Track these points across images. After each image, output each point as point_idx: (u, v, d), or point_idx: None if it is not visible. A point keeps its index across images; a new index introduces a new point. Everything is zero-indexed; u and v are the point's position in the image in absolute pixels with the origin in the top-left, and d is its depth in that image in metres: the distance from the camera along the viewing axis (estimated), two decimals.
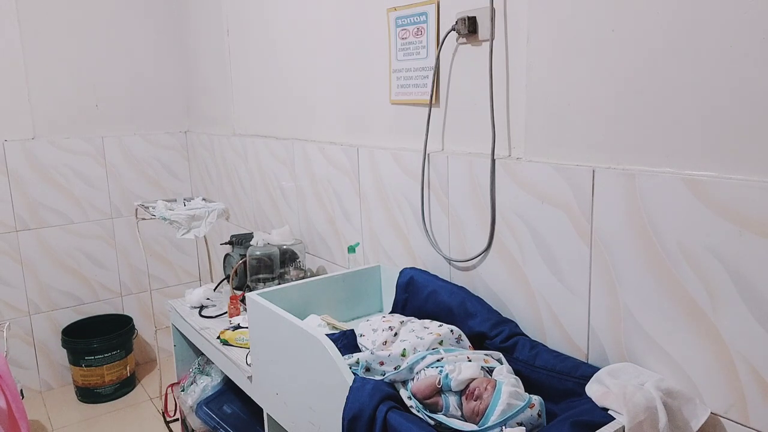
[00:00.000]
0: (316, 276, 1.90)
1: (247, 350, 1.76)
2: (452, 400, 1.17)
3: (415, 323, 1.45)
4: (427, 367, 1.23)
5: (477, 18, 1.43)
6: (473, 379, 1.17)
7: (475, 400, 1.14)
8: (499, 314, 1.44)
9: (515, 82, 1.38)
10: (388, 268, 1.81)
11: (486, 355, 1.30)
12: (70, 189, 2.99)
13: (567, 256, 1.29)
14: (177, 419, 2.55)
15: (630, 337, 1.19)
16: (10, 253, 2.87)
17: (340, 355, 1.26)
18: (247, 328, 1.78)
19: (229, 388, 2.12)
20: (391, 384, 1.24)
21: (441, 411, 1.17)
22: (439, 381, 1.17)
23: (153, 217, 2.44)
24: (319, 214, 2.19)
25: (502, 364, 1.29)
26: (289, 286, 1.66)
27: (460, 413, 1.16)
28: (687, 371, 1.10)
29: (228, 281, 2.29)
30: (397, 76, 1.73)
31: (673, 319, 1.11)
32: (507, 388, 1.13)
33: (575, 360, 1.26)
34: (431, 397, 1.18)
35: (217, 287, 2.34)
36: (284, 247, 2.16)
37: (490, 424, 1.09)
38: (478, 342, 1.41)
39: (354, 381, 1.19)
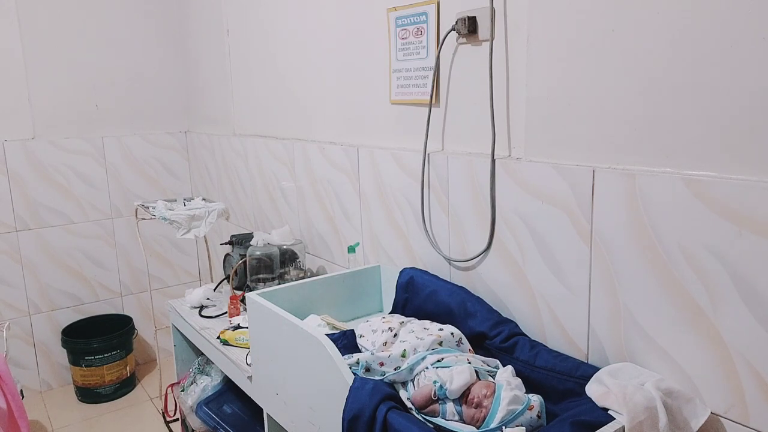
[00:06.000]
0: (316, 276, 1.90)
1: (247, 350, 1.76)
2: (450, 407, 1.17)
3: (414, 324, 1.45)
4: (427, 368, 1.23)
5: (477, 18, 1.43)
6: (469, 385, 1.16)
7: (476, 408, 1.13)
8: (499, 314, 1.44)
9: (515, 82, 1.38)
10: (388, 268, 1.81)
11: (483, 362, 1.30)
12: (70, 189, 2.99)
13: (567, 256, 1.29)
14: (177, 419, 2.55)
15: (630, 337, 1.19)
16: (10, 253, 2.87)
17: (340, 355, 1.25)
18: (247, 328, 1.78)
19: (229, 388, 2.11)
20: (391, 384, 1.24)
21: (439, 416, 1.17)
22: (434, 393, 1.17)
23: (153, 217, 2.44)
24: (319, 214, 2.19)
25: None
26: (289, 286, 1.66)
27: (458, 418, 1.16)
28: (687, 371, 1.10)
29: (228, 281, 2.29)
30: (397, 76, 1.73)
31: (673, 319, 1.11)
32: (506, 393, 1.12)
33: (575, 360, 1.26)
34: (428, 407, 1.18)
35: (217, 287, 2.34)
36: (284, 247, 2.16)
37: (490, 428, 1.09)
38: (478, 342, 1.41)
39: (354, 381, 1.19)
